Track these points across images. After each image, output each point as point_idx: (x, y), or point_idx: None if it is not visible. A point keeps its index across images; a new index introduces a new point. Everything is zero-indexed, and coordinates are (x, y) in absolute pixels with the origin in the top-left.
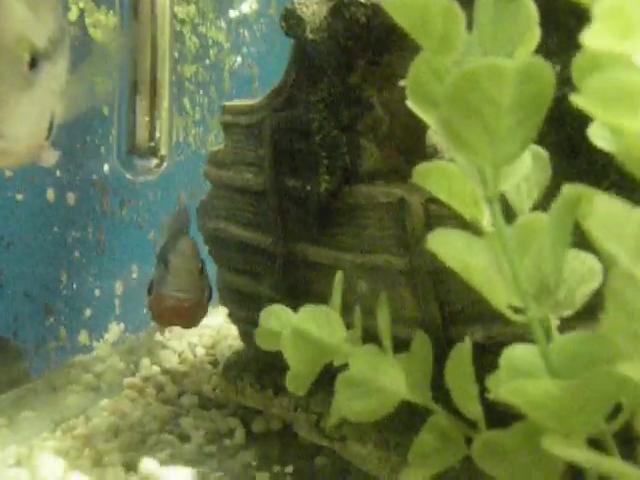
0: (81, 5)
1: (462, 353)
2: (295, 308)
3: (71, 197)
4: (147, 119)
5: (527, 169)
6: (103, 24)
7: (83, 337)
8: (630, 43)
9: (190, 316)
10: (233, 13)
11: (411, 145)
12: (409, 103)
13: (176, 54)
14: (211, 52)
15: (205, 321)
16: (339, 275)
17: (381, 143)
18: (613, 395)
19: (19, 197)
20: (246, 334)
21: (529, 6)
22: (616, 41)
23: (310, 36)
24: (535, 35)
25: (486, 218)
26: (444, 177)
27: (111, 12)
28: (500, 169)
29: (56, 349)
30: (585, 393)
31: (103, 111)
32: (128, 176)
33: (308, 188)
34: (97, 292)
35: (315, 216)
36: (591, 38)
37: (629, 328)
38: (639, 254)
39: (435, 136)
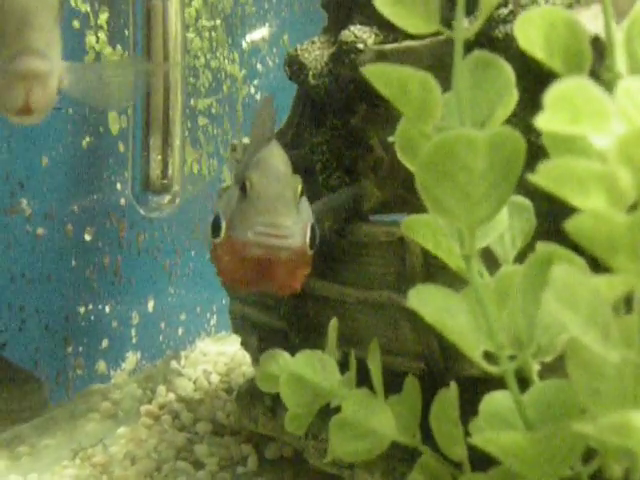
0: (97, 48)
1: (447, 397)
2: (303, 339)
3: (89, 231)
4: (160, 157)
5: (504, 225)
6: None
7: (101, 367)
8: (579, 128)
9: (287, 272)
10: (246, 45)
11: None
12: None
13: (190, 88)
14: (224, 85)
15: (219, 348)
16: (333, 322)
17: (381, 183)
18: (580, 445)
19: (39, 232)
20: (258, 362)
21: (506, 70)
22: (566, 126)
23: (312, 82)
24: (513, 97)
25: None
26: (430, 230)
27: (126, 52)
28: (476, 229)
29: (75, 379)
30: (552, 444)
31: (119, 147)
32: (141, 212)
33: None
34: (114, 323)
35: (321, 252)
36: (543, 123)
37: (589, 386)
38: (592, 322)
39: None
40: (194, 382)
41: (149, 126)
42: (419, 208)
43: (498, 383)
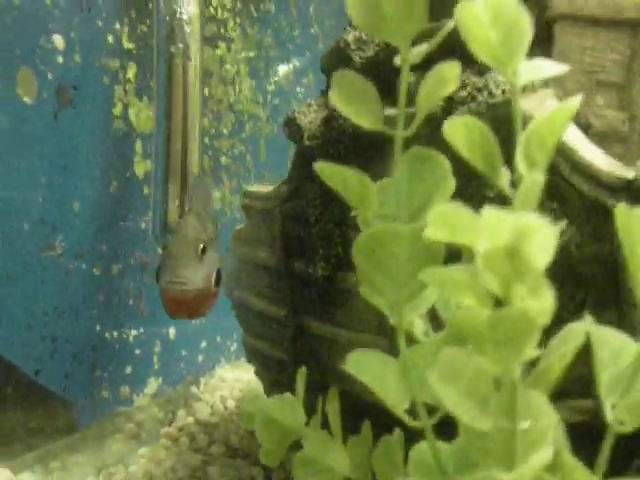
0: (125, 101)
1: (391, 442)
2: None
3: (115, 269)
4: (177, 203)
5: (434, 297)
6: (144, 114)
7: (125, 391)
8: (456, 240)
9: (195, 306)
10: (270, 87)
11: None
12: None
13: (213, 131)
14: (247, 126)
15: (237, 375)
16: (302, 371)
17: None
18: None
19: (70, 268)
20: (269, 390)
21: (443, 163)
22: (446, 239)
23: (307, 142)
24: (449, 187)
25: (417, 328)
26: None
27: (152, 104)
28: (402, 307)
29: (101, 402)
30: None
31: (144, 190)
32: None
33: (309, 271)
34: (137, 351)
35: (316, 295)
36: (430, 234)
37: (478, 445)
38: (471, 396)
39: None
40: (211, 407)
41: (168, 172)
42: None
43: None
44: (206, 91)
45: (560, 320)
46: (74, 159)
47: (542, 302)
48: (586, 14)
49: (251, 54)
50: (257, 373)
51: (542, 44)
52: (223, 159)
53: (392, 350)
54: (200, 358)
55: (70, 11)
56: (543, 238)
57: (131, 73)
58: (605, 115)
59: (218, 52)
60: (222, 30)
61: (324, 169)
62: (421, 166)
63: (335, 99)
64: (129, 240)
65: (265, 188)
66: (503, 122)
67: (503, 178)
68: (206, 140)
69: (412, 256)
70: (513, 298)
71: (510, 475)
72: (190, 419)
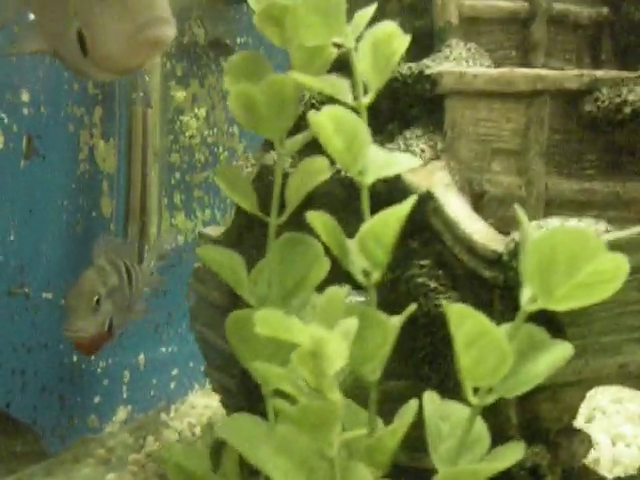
0: (91, 143)
1: None
2: (251, 405)
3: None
4: (136, 244)
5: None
6: (110, 155)
7: (93, 420)
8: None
9: (90, 347)
10: None
11: None
12: None
13: (185, 166)
14: (222, 157)
15: (207, 402)
16: (207, 424)
17: None
18: None
19: (37, 306)
20: None
21: (315, 245)
22: (275, 334)
23: None
24: (323, 267)
25: None
26: None
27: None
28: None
29: (70, 431)
30: None
31: (110, 227)
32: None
33: None
34: (105, 381)
35: None
36: (259, 330)
37: None
38: (301, 467)
39: None
40: (179, 433)
41: (127, 214)
42: None
43: None
44: (177, 126)
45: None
46: (41, 203)
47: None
48: (476, 89)
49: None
50: (222, 402)
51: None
52: (195, 192)
53: None
54: (172, 385)
55: (35, 65)
56: (336, 347)
57: (97, 117)
58: (501, 181)
59: (190, 90)
60: (194, 67)
61: (204, 253)
62: (293, 250)
63: (221, 185)
64: None
65: (218, 230)
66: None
67: (354, 266)
68: (177, 176)
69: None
70: (321, 390)
71: None
72: (158, 445)
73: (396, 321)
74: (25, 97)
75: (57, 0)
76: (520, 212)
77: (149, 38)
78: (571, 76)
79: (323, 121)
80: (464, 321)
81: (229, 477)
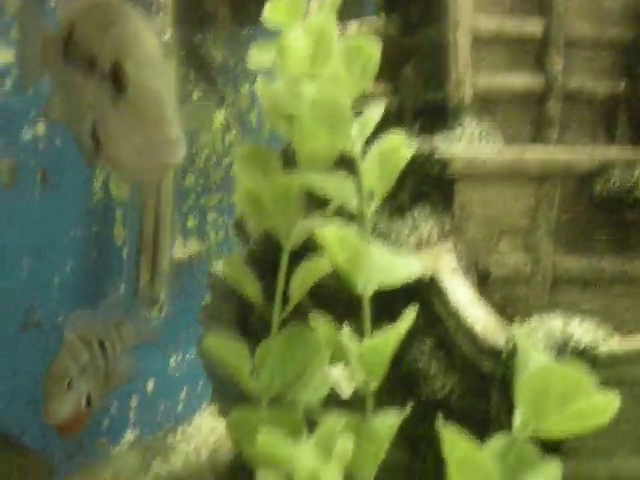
0: (105, 172)
1: None
2: None
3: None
4: (148, 277)
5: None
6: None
7: (102, 443)
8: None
9: (72, 427)
10: (261, 137)
11: None
12: None
13: (199, 189)
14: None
15: (214, 424)
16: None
17: None
18: None
19: (51, 339)
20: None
21: (314, 339)
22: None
23: (252, 246)
24: (323, 358)
25: None
26: None
27: None
28: None
29: (79, 454)
30: None
31: (123, 255)
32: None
33: None
34: (114, 407)
35: None
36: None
37: None
38: None
39: None
40: (186, 456)
41: (140, 247)
42: None
43: None
44: (193, 149)
45: None
46: (55, 235)
47: None
48: (485, 173)
49: (242, 107)
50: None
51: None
52: (209, 215)
53: None
54: (180, 407)
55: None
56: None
57: None
58: (507, 262)
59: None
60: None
61: (209, 341)
62: (293, 343)
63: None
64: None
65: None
66: None
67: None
68: (191, 199)
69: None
70: None
71: None
72: (166, 467)
73: (393, 422)
74: (40, 130)
75: (73, 83)
76: (519, 335)
77: (158, 160)
78: (583, 159)
79: (328, 236)
80: (456, 445)
81: None
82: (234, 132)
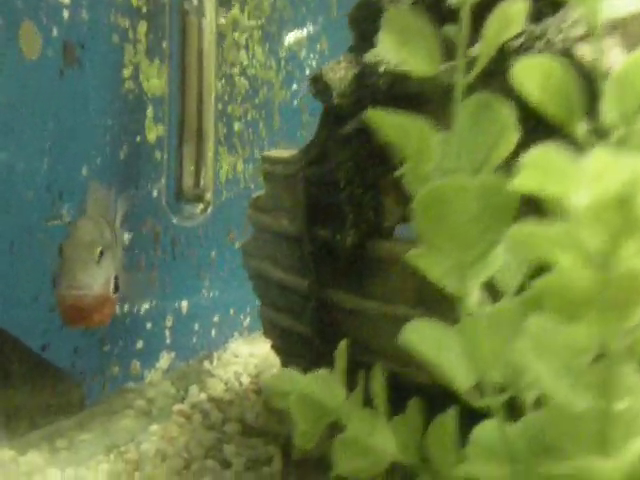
0: (134, 60)
1: (445, 421)
2: (326, 346)
3: (126, 238)
4: (192, 167)
5: (500, 263)
6: (155, 77)
7: (135, 366)
8: (549, 191)
9: (92, 314)
10: (283, 52)
11: None
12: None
13: (226, 97)
14: (260, 92)
15: (251, 350)
16: (342, 344)
17: (402, 199)
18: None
19: None
20: (287, 365)
21: (505, 112)
22: (537, 189)
23: (336, 101)
24: (512, 140)
25: (472, 298)
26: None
27: (163, 65)
28: (467, 270)
29: (110, 378)
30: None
31: (156, 155)
32: (174, 221)
33: (337, 238)
34: (149, 325)
35: (343, 265)
36: (517, 186)
37: (567, 427)
38: (564, 370)
39: None
40: (225, 383)
41: (182, 136)
42: None
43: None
44: (219, 53)
45: None
46: (81, 121)
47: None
48: None
49: (264, 18)
50: (274, 347)
51: None
52: (236, 125)
53: None
54: (213, 332)
55: None
56: None
57: (141, 33)
58: None
59: (232, 13)
60: None
61: (376, 117)
62: (482, 115)
63: (386, 41)
64: (140, 208)
65: (285, 153)
66: None
67: (582, 126)
68: (219, 105)
69: (481, 213)
70: (621, 257)
71: (609, 463)
72: (203, 395)
73: None
74: None
75: None
76: None
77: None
78: None
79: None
80: None
81: (378, 405)
82: (256, 42)
